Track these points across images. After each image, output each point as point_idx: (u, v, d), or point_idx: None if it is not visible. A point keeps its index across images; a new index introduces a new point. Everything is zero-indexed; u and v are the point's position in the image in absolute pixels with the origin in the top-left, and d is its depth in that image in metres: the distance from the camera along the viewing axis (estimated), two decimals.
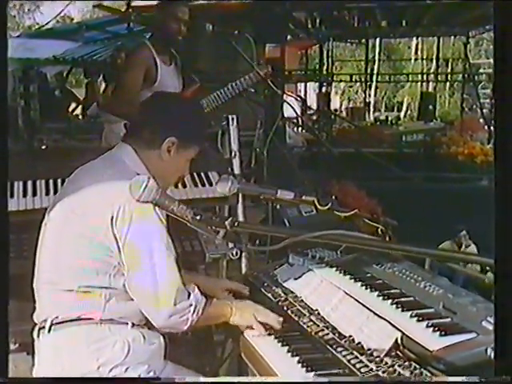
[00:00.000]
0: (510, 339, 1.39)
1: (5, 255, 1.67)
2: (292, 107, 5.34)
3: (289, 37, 9.59)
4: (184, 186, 2.91)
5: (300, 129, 10.55)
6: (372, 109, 19.06)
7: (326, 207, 2.17)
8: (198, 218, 1.54)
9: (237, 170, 3.05)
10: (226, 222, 1.53)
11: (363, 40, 14.54)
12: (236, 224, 1.53)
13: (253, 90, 4.28)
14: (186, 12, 3.67)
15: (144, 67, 3.54)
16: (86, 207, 1.91)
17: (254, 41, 3.84)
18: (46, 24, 14.98)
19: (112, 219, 1.84)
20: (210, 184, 2.94)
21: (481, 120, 11.47)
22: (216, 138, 3.14)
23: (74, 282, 1.90)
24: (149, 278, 1.88)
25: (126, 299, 1.93)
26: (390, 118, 14.22)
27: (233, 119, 3.06)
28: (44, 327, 1.94)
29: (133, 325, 1.96)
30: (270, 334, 1.96)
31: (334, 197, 5.22)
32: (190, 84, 3.78)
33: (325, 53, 11.61)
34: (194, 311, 1.93)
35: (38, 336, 1.97)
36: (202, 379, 2.03)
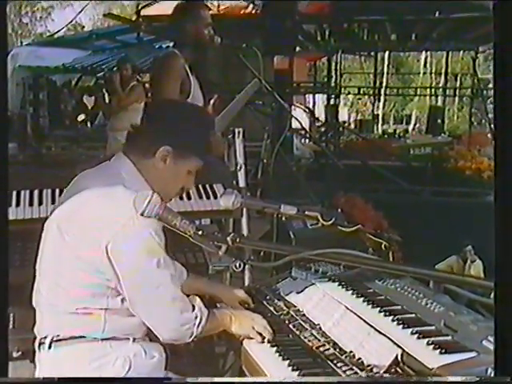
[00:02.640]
0: (510, 340, 1.39)
1: (4, 258, 1.68)
2: (298, 120, 5.36)
3: (297, 48, 9.63)
4: (189, 197, 2.92)
5: (307, 140, 10.56)
6: (380, 121, 19.06)
7: (330, 222, 2.18)
8: (200, 233, 1.55)
9: (242, 183, 3.06)
10: (228, 238, 1.53)
11: (372, 53, 14.58)
12: (238, 240, 1.54)
13: (260, 102, 4.31)
14: (209, 15, 3.52)
15: (180, 79, 3.36)
16: (80, 230, 1.88)
17: (261, 54, 3.84)
18: (58, 32, 15.12)
19: (107, 246, 1.81)
20: (215, 196, 2.93)
21: (489, 135, 11.46)
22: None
23: (72, 304, 1.89)
24: (151, 300, 1.90)
25: (126, 316, 1.93)
26: (398, 131, 14.25)
27: (239, 132, 3.08)
28: (44, 343, 1.94)
29: (134, 340, 1.97)
30: (272, 346, 1.97)
31: (340, 209, 5.23)
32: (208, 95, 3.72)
33: (333, 65, 11.62)
34: (198, 324, 1.94)
35: (39, 349, 1.97)
36: (202, 379, 2.03)
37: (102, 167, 2.04)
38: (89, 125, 10.90)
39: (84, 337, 1.91)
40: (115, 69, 7.30)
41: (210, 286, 2.35)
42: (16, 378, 1.98)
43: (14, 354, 2.45)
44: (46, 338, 1.94)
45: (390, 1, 7.68)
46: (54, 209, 2.07)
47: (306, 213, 2.19)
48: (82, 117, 10.86)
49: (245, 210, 2.93)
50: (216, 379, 1.98)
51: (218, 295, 2.29)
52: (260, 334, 2.00)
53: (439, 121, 13.48)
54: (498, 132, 1.52)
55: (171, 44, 3.86)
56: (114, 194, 1.88)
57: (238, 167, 3.05)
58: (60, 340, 1.92)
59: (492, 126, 10.96)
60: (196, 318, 1.94)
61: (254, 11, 9.36)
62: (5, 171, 1.65)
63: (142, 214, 1.64)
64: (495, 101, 1.58)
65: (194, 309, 1.95)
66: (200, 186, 2.98)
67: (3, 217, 1.68)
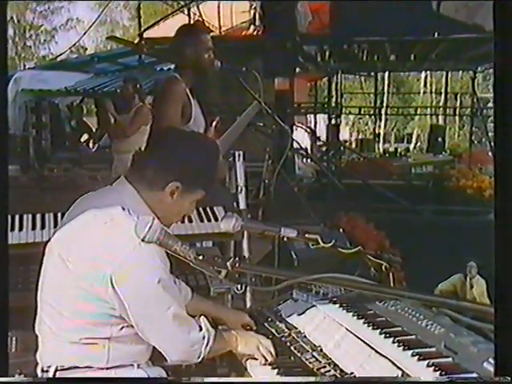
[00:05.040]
0: (510, 339, 1.40)
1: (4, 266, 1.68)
2: (297, 142, 5.37)
3: (298, 69, 9.69)
4: (190, 220, 2.94)
5: (309, 160, 10.59)
6: (381, 140, 19.11)
7: (330, 244, 2.19)
8: (200, 257, 1.57)
9: (242, 205, 3.08)
10: (228, 263, 1.55)
11: (372, 73, 14.67)
12: (238, 264, 1.55)
13: (261, 124, 4.34)
14: (210, 39, 3.55)
15: (181, 103, 3.39)
16: (83, 259, 1.86)
17: (261, 75, 3.88)
18: (61, 55, 15.29)
19: (111, 277, 1.79)
20: (216, 219, 2.96)
21: (489, 153, 11.47)
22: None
23: (76, 334, 1.88)
24: (160, 324, 1.90)
25: (130, 344, 1.94)
26: (399, 150, 14.29)
27: (239, 155, 3.10)
28: (48, 371, 1.94)
29: (138, 366, 1.97)
30: (273, 368, 1.98)
31: (341, 229, 5.24)
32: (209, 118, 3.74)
33: (334, 85, 11.69)
34: (206, 344, 1.96)
35: (42, 376, 1.96)
36: (202, 379, 2.02)
37: (104, 192, 2.05)
38: (91, 145, 10.96)
39: (89, 367, 1.91)
40: (119, 89, 7.29)
41: (214, 309, 2.36)
42: (16, 378, 1.99)
43: (16, 377, 2.44)
44: (49, 366, 1.93)
45: (388, 21, 7.76)
46: (56, 231, 2.06)
47: (306, 235, 2.21)
48: (85, 137, 10.93)
49: (245, 232, 2.95)
50: (214, 379, 1.97)
51: (223, 318, 2.29)
52: (264, 355, 2.01)
53: (440, 139, 13.52)
54: (498, 149, 1.54)
55: (172, 66, 3.90)
56: (116, 221, 1.87)
57: (239, 189, 3.07)
58: (64, 369, 1.91)
59: (492, 144, 10.99)
60: (204, 338, 1.95)
61: (255, 33, 9.45)
62: (5, 195, 1.67)
63: (143, 240, 1.66)
64: (495, 118, 1.60)
65: (201, 329, 1.96)
66: (201, 209, 3.01)
67: (3, 241, 1.69)
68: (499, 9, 1.52)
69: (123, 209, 1.90)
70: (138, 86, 6.28)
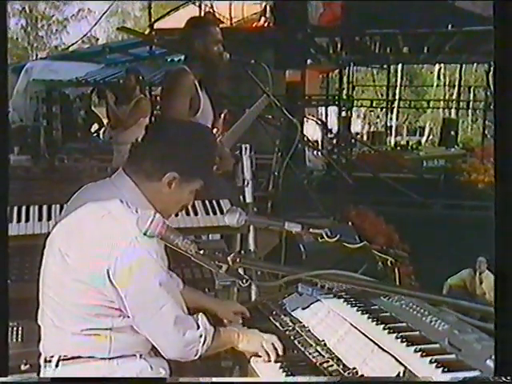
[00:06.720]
0: (511, 339, 1.39)
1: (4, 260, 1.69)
2: (305, 136, 5.34)
3: (309, 61, 9.65)
4: (196, 213, 2.94)
5: (320, 152, 10.56)
6: (393, 133, 19.02)
7: (334, 239, 2.18)
8: (201, 252, 1.57)
9: (249, 199, 3.08)
10: (229, 258, 1.55)
11: (385, 65, 14.59)
12: (238, 259, 1.55)
13: (270, 117, 4.33)
14: (219, 31, 3.55)
15: (189, 95, 3.39)
16: (81, 253, 1.87)
17: (272, 67, 3.85)
18: (72, 45, 15.33)
19: (109, 272, 1.80)
20: (222, 212, 2.96)
21: None
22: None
23: (77, 325, 1.89)
24: (155, 321, 1.89)
25: (132, 334, 1.94)
26: (410, 143, 14.21)
27: (246, 148, 3.09)
28: (51, 361, 1.95)
29: (140, 356, 1.98)
30: (276, 362, 1.97)
31: (351, 223, 5.23)
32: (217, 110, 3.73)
33: (345, 77, 11.62)
34: (203, 342, 1.95)
35: (45, 366, 1.97)
36: (202, 379, 2.02)
37: (103, 184, 2.04)
38: (101, 136, 10.98)
39: (91, 357, 1.92)
40: (122, 80, 7.27)
41: (204, 299, 2.36)
42: (16, 378, 2.00)
43: (22, 367, 2.46)
44: (52, 356, 1.95)
45: (401, 13, 7.71)
46: (55, 224, 2.06)
47: (311, 230, 2.20)
48: (95, 127, 10.94)
49: (251, 226, 2.95)
50: (215, 379, 1.98)
51: (213, 308, 2.29)
52: (268, 353, 1.99)
53: (453, 133, 13.41)
54: (498, 148, 1.53)
55: (183, 57, 3.89)
56: (113, 214, 1.87)
57: (245, 183, 3.07)
58: (67, 359, 1.92)
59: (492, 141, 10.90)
60: (201, 336, 1.94)
61: (266, 24, 9.42)
62: (5, 186, 1.67)
63: (144, 234, 1.66)
64: (495, 115, 1.59)
65: (198, 327, 1.95)
66: (207, 202, 3.01)
67: (3, 232, 1.69)
68: (499, 8, 1.50)
69: (121, 202, 1.90)
70: (140, 77, 6.25)
